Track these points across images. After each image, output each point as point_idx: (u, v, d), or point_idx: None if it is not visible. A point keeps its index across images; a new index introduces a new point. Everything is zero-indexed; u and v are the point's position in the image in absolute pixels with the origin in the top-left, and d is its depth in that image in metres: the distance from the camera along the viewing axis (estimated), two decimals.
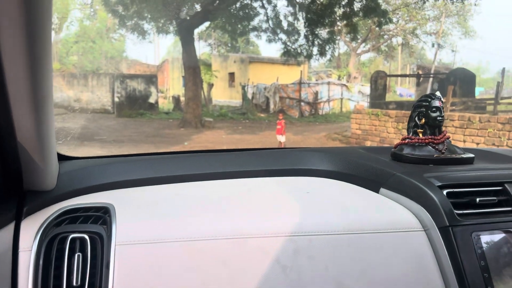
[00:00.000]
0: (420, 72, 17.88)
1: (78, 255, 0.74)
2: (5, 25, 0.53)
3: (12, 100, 0.62)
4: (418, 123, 1.12)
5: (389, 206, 0.92)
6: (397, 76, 23.63)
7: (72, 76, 15.05)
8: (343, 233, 0.83)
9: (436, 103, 1.11)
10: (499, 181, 0.92)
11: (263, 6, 11.87)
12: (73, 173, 0.94)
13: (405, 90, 22.18)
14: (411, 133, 1.14)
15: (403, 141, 1.13)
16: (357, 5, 10.96)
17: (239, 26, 12.58)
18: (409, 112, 1.17)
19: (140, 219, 0.82)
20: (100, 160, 1.07)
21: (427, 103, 1.12)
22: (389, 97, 16.40)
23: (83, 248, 0.76)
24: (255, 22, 12.32)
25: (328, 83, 16.43)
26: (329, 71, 20.96)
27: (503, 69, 13.28)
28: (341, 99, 16.43)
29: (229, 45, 17.77)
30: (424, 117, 1.11)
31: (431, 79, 15.88)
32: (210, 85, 17.78)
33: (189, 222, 0.82)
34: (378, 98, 13.25)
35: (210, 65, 18.54)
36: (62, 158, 1.04)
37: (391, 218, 0.87)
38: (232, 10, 11.77)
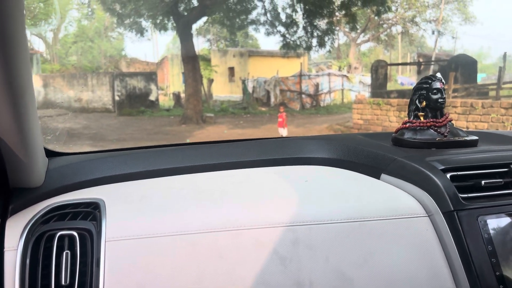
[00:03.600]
0: (421, 60, 17.74)
1: (67, 253, 0.71)
2: None
3: None
4: (419, 106, 1.08)
5: (390, 192, 0.89)
6: (397, 64, 23.45)
7: (72, 77, 15.01)
8: (344, 221, 0.80)
9: (437, 84, 1.07)
10: (505, 163, 0.89)
11: None
12: (63, 169, 0.91)
13: (406, 79, 21.99)
14: (412, 117, 1.10)
15: (404, 125, 1.09)
16: None
17: (237, 20, 12.50)
18: None
19: (131, 214, 0.79)
20: (91, 155, 1.04)
21: (428, 85, 1.08)
22: (390, 86, 16.30)
23: (72, 246, 0.73)
24: (253, 15, 12.25)
25: (329, 74, 16.34)
26: (329, 62, 20.84)
27: (505, 54, 13.09)
28: (342, 90, 16.34)
29: (228, 39, 17.70)
30: (425, 99, 1.07)
31: (432, 66, 15.76)
32: (210, 81, 17.71)
33: (181, 215, 0.79)
34: (379, 87, 13.16)
35: (210, 61, 18.44)
36: (51, 154, 1.01)
37: (393, 204, 0.84)
38: (229, 4, 11.68)
